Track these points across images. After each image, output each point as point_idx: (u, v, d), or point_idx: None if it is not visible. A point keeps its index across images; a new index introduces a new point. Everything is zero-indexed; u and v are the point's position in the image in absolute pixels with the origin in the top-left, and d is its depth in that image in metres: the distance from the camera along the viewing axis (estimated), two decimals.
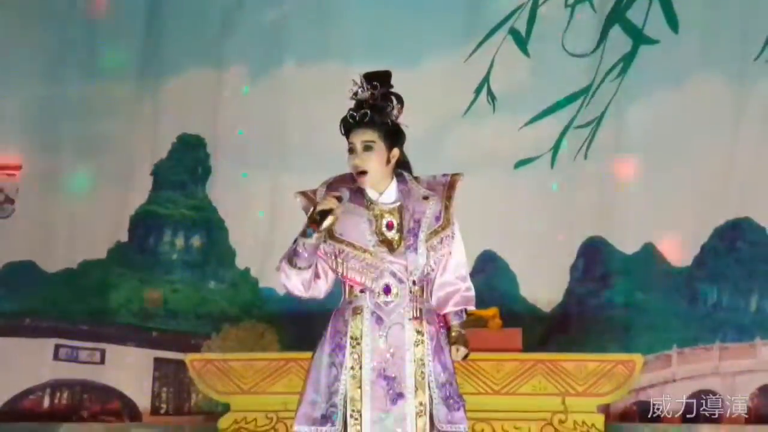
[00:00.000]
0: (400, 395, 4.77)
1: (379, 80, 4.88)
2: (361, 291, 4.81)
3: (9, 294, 8.78)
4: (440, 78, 8.57)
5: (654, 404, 7.90)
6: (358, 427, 4.76)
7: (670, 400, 7.96)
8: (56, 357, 8.67)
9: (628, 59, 8.44)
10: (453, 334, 4.91)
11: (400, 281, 4.80)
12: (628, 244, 8.30)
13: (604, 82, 8.44)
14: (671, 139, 8.29)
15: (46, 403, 8.58)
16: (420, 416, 4.75)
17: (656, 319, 8.19)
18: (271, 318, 8.44)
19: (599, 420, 6.96)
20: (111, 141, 8.98)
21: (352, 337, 4.80)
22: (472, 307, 4.95)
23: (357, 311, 4.81)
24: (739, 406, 7.88)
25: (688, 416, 7.87)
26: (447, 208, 4.91)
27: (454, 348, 4.88)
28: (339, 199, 4.72)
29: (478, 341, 7.00)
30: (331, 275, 4.85)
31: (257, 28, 8.95)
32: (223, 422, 7.20)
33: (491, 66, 8.57)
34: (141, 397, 8.58)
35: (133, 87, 9.01)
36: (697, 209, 8.19)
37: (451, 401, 4.80)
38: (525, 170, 8.49)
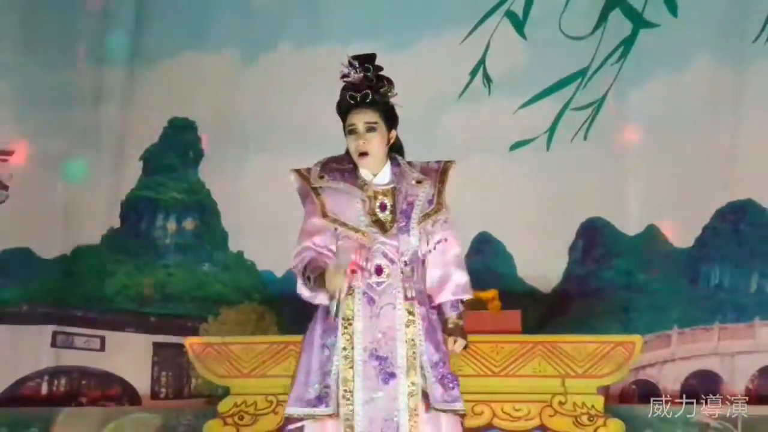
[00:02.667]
0: (392, 375, 4.79)
1: (370, 62, 4.91)
2: (353, 271, 4.74)
3: (5, 281, 8.73)
4: (436, 60, 8.56)
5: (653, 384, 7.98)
6: (351, 407, 4.78)
7: (670, 379, 8.01)
8: (54, 344, 8.65)
9: (628, 43, 8.44)
10: (450, 326, 4.93)
11: (392, 262, 4.83)
12: (630, 225, 8.32)
13: (605, 65, 8.43)
14: (672, 122, 8.30)
15: (45, 389, 8.57)
16: (412, 396, 4.78)
17: (657, 300, 8.21)
18: (270, 300, 8.44)
19: (599, 401, 6.97)
20: (103, 126, 8.93)
21: (344, 318, 4.80)
22: (468, 296, 4.97)
23: (349, 292, 4.79)
24: (738, 386, 7.92)
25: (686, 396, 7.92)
26: (440, 192, 4.95)
27: (450, 340, 4.90)
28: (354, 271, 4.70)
29: (477, 323, 7.09)
30: None
31: (250, 11, 8.92)
32: (223, 406, 7.19)
33: (487, 48, 8.56)
34: (140, 381, 8.58)
35: (125, 71, 8.97)
36: (698, 191, 8.18)
37: (446, 380, 4.82)
38: (521, 152, 8.49)
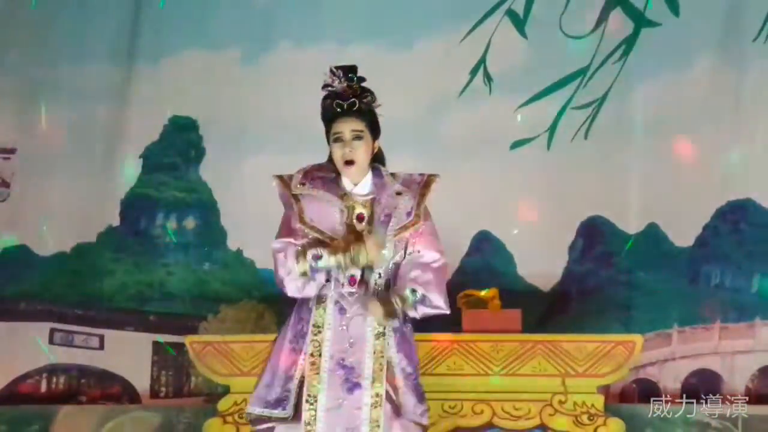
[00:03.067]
0: (357, 385, 4.86)
1: (353, 72, 4.97)
2: (327, 280, 4.88)
3: (4, 278, 8.73)
4: (436, 59, 8.55)
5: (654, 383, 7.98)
6: (313, 412, 4.85)
7: (670, 378, 8.01)
8: (51, 341, 8.63)
9: (629, 42, 8.42)
10: (391, 298, 4.86)
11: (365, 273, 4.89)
12: (630, 224, 8.30)
13: (606, 64, 8.41)
14: (673, 121, 8.29)
15: (44, 387, 8.56)
16: (375, 407, 4.84)
17: (657, 299, 8.20)
18: (269, 299, 8.43)
19: (599, 401, 6.97)
20: (103, 124, 8.92)
21: (314, 325, 4.90)
22: (441, 308, 4.96)
23: (321, 300, 4.91)
24: (738, 385, 7.92)
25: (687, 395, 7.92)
26: (419, 204, 5.00)
27: (374, 304, 4.84)
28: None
29: (477, 322, 7.15)
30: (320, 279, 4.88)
31: (251, 10, 8.91)
32: (223, 404, 7.21)
33: (488, 47, 8.54)
34: (140, 380, 8.57)
35: (125, 69, 8.95)
36: (699, 190, 8.18)
37: (417, 392, 4.92)
38: (521, 151, 8.47)
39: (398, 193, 5.01)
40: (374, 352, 4.88)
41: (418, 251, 4.99)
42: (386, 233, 4.93)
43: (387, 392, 4.88)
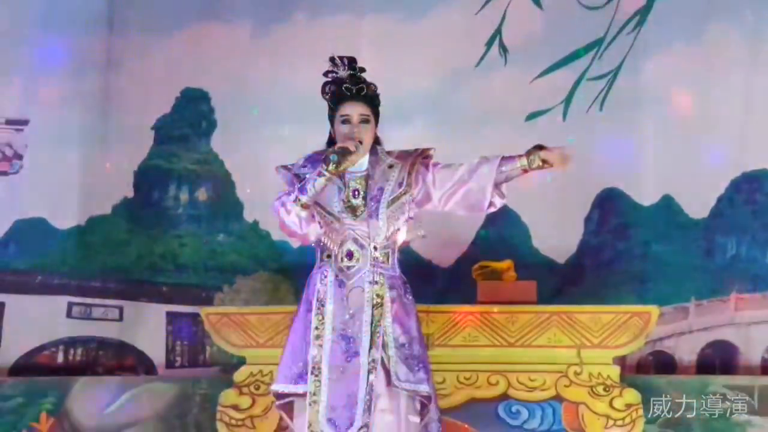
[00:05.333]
0: (356, 353, 5.02)
1: (354, 63, 5.17)
2: (328, 256, 5.10)
3: (20, 251, 8.74)
4: (451, 30, 8.52)
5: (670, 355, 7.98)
6: (318, 383, 5.01)
7: (686, 350, 8.02)
8: (69, 314, 8.65)
9: (644, 12, 8.38)
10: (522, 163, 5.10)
11: (362, 247, 5.08)
12: (645, 196, 8.28)
13: (620, 35, 8.38)
14: (688, 92, 8.29)
15: (61, 359, 8.58)
16: (371, 372, 4.99)
17: (672, 271, 8.19)
18: (285, 270, 8.46)
19: (615, 372, 6.97)
20: (116, 95, 8.92)
21: (317, 300, 5.08)
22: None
23: (324, 275, 5.10)
24: (754, 356, 7.93)
25: (703, 366, 7.94)
26: (410, 173, 5.15)
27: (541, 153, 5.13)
28: (360, 143, 4.98)
29: (492, 294, 7.16)
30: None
31: None
32: (239, 375, 7.23)
33: (503, 18, 8.51)
34: (156, 351, 8.60)
35: (138, 41, 8.93)
36: (714, 161, 8.17)
37: (411, 362, 5.05)
38: (537, 122, 8.44)
39: (390, 166, 5.16)
40: (371, 323, 5.02)
41: (434, 165, 5.19)
42: (380, 208, 5.08)
43: (381, 359, 5.02)
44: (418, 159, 5.18)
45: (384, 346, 5.01)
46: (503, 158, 5.12)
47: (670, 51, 8.32)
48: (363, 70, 5.14)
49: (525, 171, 5.13)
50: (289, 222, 5.01)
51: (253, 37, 8.87)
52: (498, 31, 8.51)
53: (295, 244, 7.95)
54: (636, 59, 8.34)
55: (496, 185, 5.11)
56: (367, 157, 5.15)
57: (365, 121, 5.10)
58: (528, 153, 5.12)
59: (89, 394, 7.71)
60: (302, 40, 8.62)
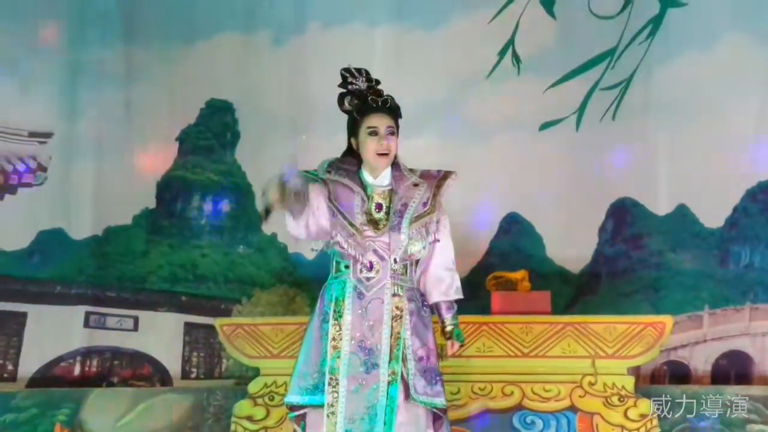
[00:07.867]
0: (375, 365, 5.03)
1: (369, 73, 5.20)
2: (346, 267, 5.12)
3: (41, 261, 8.79)
4: (464, 40, 8.54)
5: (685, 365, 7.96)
6: (336, 394, 5.02)
7: (701, 360, 7.99)
8: (87, 324, 8.70)
9: (656, 22, 8.36)
10: (448, 328, 5.25)
11: (382, 258, 5.10)
12: (660, 206, 8.26)
13: (633, 44, 8.37)
14: (701, 101, 8.23)
15: (78, 370, 8.63)
16: (391, 384, 5.01)
17: (687, 280, 8.17)
18: (301, 283, 8.47)
19: (629, 382, 6.95)
20: (139, 107, 8.97)
21: (335, 311, 5.08)
22: (460, 296, 5.24)
23: (341, 286, 5.11)
24: None
25: (717, 376, 7.91)
26: (435, 195, 5.20)
27: (449, 343, 5.22)
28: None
29: (506, 304, 7.16)
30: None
31: None
32: (253, 386, 7.26)
33: (516, 28, 8.52)
34: (172, 362, 8.64)
35: (161, 52, 8.98)
36: (728, 171, 8.12)
37: (429, 375, 5.07)
38: (550, 132, 8.44)
39: (415, 185, 5.20)
40: (391, 335, 5.03)
41: (438, 240, 5.21)
42: (403, 222, 5.11)
43: (401, 372, 5.03)
44: (442, 183, 5.21)
45: (403, 358, 5.03)
46: (452, 308, 5.26)
47: (682, 60, 8.29)
48: (378, 82, 5.18)
49: (443, 329, 5.25)
50: (292, 230, 5.18)
51: (271, 47, 8.89)
52: (511, 41, 8.52)
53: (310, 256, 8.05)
54: (649, 69, 8.33)
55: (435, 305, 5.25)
56: (389, 172, 5.19)
57: (391, 133, 5.14)
58: (449, 335, 5.24)
59: (103, 405, 7.74)
60: (317, 50, 8.65)
